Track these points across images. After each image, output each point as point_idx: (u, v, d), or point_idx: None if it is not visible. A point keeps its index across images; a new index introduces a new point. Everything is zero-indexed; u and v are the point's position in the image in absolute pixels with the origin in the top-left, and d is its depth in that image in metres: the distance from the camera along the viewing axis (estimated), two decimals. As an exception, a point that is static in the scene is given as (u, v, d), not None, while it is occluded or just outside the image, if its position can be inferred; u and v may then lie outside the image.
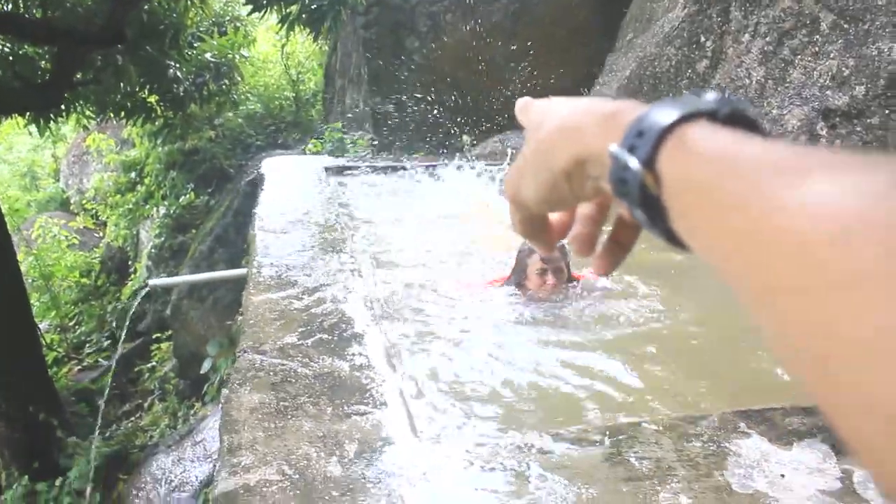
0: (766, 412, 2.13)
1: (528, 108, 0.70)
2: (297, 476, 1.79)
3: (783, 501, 1.71)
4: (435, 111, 8.39)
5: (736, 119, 0.51)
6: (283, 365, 2.40)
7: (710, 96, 0.53)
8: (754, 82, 4.99)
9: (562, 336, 3.04)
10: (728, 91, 5.03)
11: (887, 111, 4.25)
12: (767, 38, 4.98)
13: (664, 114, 0.51)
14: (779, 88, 4.82)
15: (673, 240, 0.52)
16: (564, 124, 0.60)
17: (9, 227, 7.21)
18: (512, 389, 2.58)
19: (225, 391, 2.23)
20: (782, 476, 1.80)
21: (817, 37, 4.65)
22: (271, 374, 2.34)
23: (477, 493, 1.77)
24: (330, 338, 2.63)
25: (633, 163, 0.51)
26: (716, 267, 0.45)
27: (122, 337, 7.64)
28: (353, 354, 2.51)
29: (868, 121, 4.31)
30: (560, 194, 0.62)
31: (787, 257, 0.38)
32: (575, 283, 3.57)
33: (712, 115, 0.51)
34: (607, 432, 1.99)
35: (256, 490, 1.70)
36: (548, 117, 0.63)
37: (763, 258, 0.40)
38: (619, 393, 2.59)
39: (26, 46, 7.01)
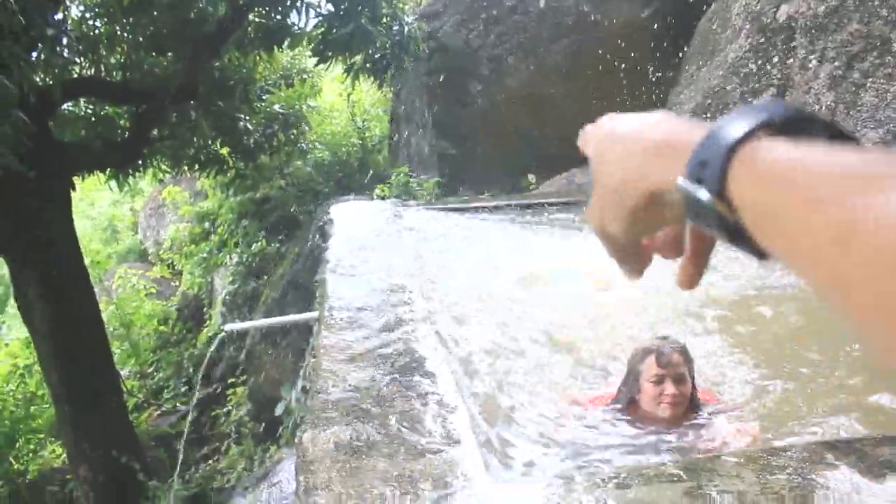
0: (855, 443, 2.06)
1: (588, 139, 0.71)
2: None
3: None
4: (499, 152, 8.47)
5: (793, 122, 0.51)
6: (355, 405, 2.43)
7: (760, 104, 0.53)
8: (824, 107, 4.89)
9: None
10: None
11: (966, 131, 4.12)
12: (836, 63, 4.88)
13: (722, 137, 0.51)
14: (851, 112, 4.71)
15: (758, 252, 0.52)
16: (624, 162, 0.61)
17: (91, 278, 7.50)
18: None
19: (299, 432, 2.26)
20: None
21: (889, 58, 4.55)
22: (344, 413, 2.37)
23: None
24: (402, 377, 2.66)
25: (704, 195, 0.51)
26: (807, 282, 0.45)
27: (199, 382, 7.81)
28: (426, 394, 2.53)
29: None
30: (643, 225, 0.62)
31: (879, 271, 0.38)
32: (701, 408, 2.87)
33: (769, 126, 0.51)
34: (686, 466, 1.95)
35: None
36: (607, 149, 0.64)
37: (854, 273, 0.40)
38: None
39: (107, 108, 7.38)
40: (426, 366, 2.75)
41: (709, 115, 6.00)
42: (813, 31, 5.08)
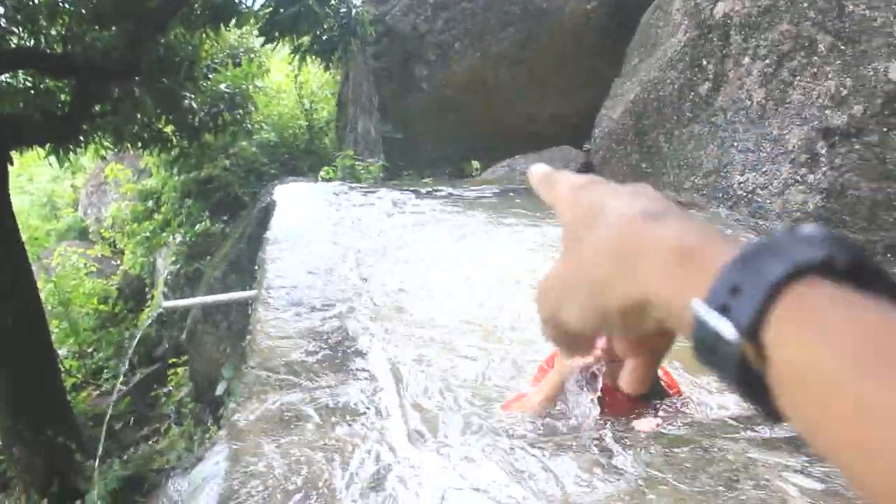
0: (755, 417, 2.20)
1: (558, 190, 0.58)
2: (301, 481, 1.87)
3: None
4: (444, 137, 8.55)
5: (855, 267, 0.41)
6: (288, 379, 2.49)
7: (813, 234, 0.42)
8: (755, 104, 5.08)
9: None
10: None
11: (885, 129, 4.32)
12: (767, 61, 5.07)
13: (767, 264, 0.41)
14: (779, 109, 4.90)
15: (769, 411, 0.41)
16: (623, 251, 0.48)
17: (29, 255, 7.37)
18: None
19: (231, 402, 2.32)
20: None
21: (815, 58, 4.74)
22: (277, 387, 2.43)
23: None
24: (334, 354, 2.73)
25: (729, 331, 0.40)
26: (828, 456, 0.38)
27: (131, 361, 7.73)
28: (357, 370, 2.60)
29: (866, 139, 4.38)
30: (611, 326, 0.51)
31: None
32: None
33: (826, 266, 0.40)
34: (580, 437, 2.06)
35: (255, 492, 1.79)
36: (599, 223, 0.51)
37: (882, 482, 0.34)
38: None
39: (47, 80, 7.22)
40: (358, 343, 2.83)
41: (647, 107, 6.16)
42: (747, 29, 5.26)
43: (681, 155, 5.77)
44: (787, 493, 1.78)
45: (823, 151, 4.53)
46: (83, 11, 6.50)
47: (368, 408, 2.30)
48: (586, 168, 7.27)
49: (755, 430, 2.10)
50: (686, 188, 5.67)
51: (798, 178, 4.65)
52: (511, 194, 6.07)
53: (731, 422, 2.22)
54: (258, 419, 2.19)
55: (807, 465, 1.92)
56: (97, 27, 6.71)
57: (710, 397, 2.61)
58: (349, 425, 2.16)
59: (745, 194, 5.07)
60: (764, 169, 4.93)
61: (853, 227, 4.38)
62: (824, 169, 4.50)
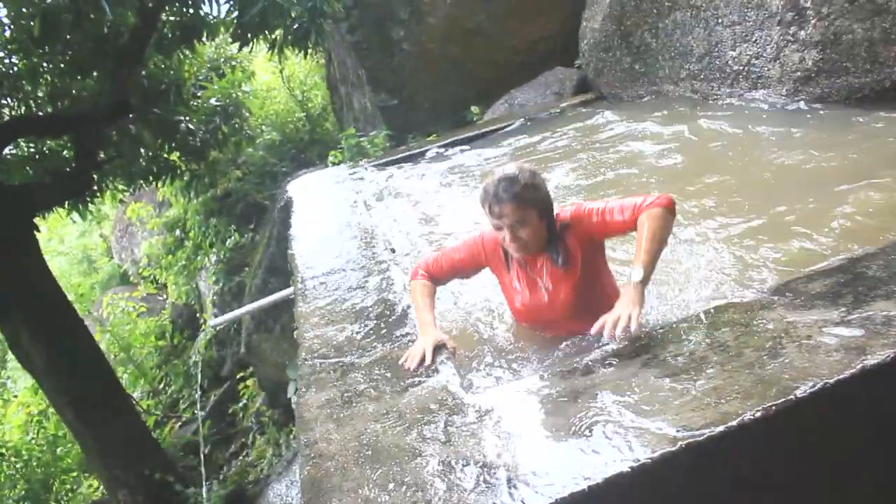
0: (789, 283, 2.23)
1: None
2: (370, 450, 1.96)
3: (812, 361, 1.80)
4: (437, 92, 8.52)
5: None
6: (340, 361, 2.58)
7: None
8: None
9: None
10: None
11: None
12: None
13: None
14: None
15: None
16: None
17: (80, 311, 7.58)
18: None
19: (294, 398, 2.42)
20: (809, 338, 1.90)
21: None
22: (331, 372, 2.52)
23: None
24: (379, 327, 2.81)
25: None
26: None
27: (202, 386, 7.94)
28: (402, 335, 2.68)
29: (850, -23, 4.27)
30: None
31: None
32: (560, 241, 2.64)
33: None
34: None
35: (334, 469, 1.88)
36: None
37: None
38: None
39: (48, 142, 7.36)
40: (398, 311, 2.91)
41: (624, 6, 6.07)
42: None
43: (670, 46, 5.70)
44: (829, 346, 1.82)
45: (808, 4, 4.44)
46: (62, 66, 6.58)
47: (420, 372, 2.37)
48: (581, 84, 7.21)
49: (789, 296, 2.13)
50: (683, 78, 5.61)
51: (790, 37, 4.58)
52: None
53: (758, 296, 2.24)
54: (321, 406, 2.28)
55: (845, 315, 1.95)
56: (79, 77, 6.79)
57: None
58: (407, 391, 2.25)
59: (741, 68, 5.01)
60: (754, 38, 4.85)
61: (857, 73, 4.31)
62: (813, 21, 4.41)
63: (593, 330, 2.25)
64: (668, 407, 1.77)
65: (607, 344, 2.18)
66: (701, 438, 1.62)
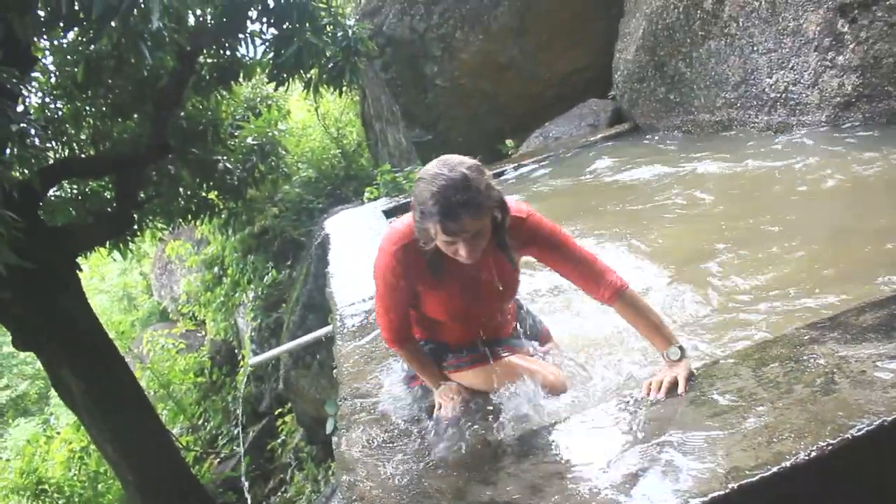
0: (839, 317, 2.17)
1: None
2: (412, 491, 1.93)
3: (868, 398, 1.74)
4: (471, 126, 8.57)
5: None
6: (380, 400, 2.56)
7: None
8: (763, 2, 4.95)
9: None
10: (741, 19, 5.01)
11: (904, -12, 4.17)
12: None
13: None
14: (789, 0, 4.77)
15: None
16: None
17: (121, 348, 7.69)
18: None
19: (334, 438, 2.40)
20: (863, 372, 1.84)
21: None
22: (371, 410, 2.51)
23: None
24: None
25: None
26: None
27: (240, 422, 7.97)
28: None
29: (887, 2, 4.22)
30: None
31: None
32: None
33: None
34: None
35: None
36: None
37: None
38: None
39: (90, 183, 7.54)
40: (438, 348, 2.88)
41: (657, 37, 6.06)
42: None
43: (705, 75, 5.67)
44: (885, 382, 1.76)
45: (846, 29, 4.39)
46: (104, 109, 6.76)
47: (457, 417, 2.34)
48: (616, 115, 7.19)
49: (840, 330, 2.07)
50: (719, 107, 5.57)
51: (828, 62, 4.52)
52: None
53: (808, 330, 2.18)
54: (362, 447, 2.27)
55: (900, 348, 1.89)
56: (120, 119, 6.96)
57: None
58: (447, 431, 2.22)
59: (778, 95, 4.95)
60: (791, 64, 4.80)
61: (898, 96, 4.24)
62: (852, 46, 4.36)
63: (643, 391, 2.10)
64: (718, 446, 1.72)
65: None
66: (753, 479, 1.57)
